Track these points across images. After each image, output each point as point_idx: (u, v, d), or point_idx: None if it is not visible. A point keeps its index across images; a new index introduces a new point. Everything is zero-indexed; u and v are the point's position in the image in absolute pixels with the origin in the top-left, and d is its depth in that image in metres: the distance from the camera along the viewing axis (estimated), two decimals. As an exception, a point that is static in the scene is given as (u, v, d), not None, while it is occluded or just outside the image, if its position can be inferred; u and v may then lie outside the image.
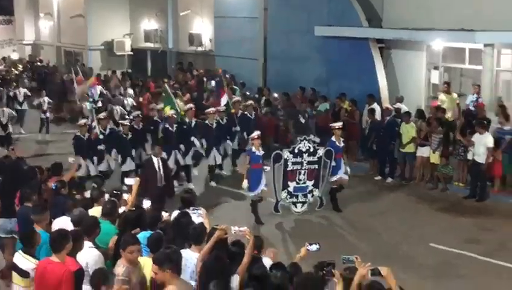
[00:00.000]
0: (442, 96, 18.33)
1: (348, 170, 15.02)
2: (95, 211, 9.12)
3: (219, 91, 19.60)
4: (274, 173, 14.38)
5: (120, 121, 17.95)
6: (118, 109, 21.74)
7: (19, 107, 23.72)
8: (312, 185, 14.57)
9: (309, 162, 14.41)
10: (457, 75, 19.74)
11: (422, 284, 10.67)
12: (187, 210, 8.99)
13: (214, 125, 17.18)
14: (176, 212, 9.22)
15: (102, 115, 17.02)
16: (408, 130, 16.79)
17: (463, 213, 14.72)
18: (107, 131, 16.48)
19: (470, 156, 15.57)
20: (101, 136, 16.18)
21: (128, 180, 11.36)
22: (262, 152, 14.20)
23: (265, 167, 14.25)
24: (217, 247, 7.20)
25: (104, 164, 16.19)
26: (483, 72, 17.88)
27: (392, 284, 6.14)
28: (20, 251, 7.66)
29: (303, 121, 19.13)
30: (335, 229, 13.95)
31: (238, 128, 17.99)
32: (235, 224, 7.68)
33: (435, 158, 16.31)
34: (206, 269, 6.77)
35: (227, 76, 23.75)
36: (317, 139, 16.49)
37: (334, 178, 14.73)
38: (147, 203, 9.75)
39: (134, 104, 22.82)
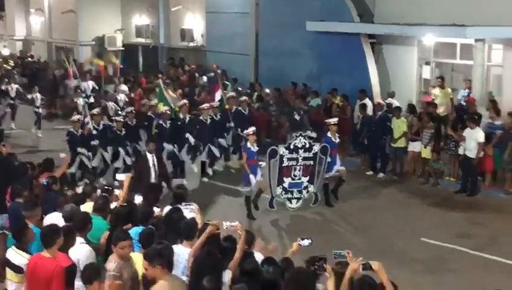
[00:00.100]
0: (435, 91, 18.33)
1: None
2: (87, 206, 9.11)
3: (212, 86, 19.53)
4: (269, 169, 14.30)
5: (114, 118, 17.90)
6: (111, 104, 21.68)
7: (11, 102, 23.64)
8: (307, 181, 14.54)
9: (304, 158, 14.38)
10: (449, 70, 19.80)
11: (414, 278, 10.70)
12: (179, 205, 9.00)
13: (208, 121, 17.16)
14: (167, 208, 9.22)
15: (96, 110, 16.96)
16: (399, 125, 16.83)
17: (454, 208, 14.77)
18: (101, 127, 16.44)
19: (461, 151, 15.60)
20: (94, 132, 16.14)
21: (120, 176, 11.34)
22: (257, 148, 14.21)
23: (260, 163, 14.22)
24: (208, 242, 7.19)
25: (97, 159, 16.15)
26: (474, 67, 17.92)
27: (383, 279, 6.15)
28: (13, 247, 7.63)
29: (298, 118, 19.14)
30: (329, 225, 13.97)
31: (232, 124, 17.93)
32: (227, 219, 7.67)
33: (426, 153, 16.35)
34: (197, 265, 6.76)
35: (219, 71, 23.73)
36: (314, 134, 16.51)
37: (329, 174, 14.75)
38: (138, 199, 9.74)
39: (127, 100, 22.77)
